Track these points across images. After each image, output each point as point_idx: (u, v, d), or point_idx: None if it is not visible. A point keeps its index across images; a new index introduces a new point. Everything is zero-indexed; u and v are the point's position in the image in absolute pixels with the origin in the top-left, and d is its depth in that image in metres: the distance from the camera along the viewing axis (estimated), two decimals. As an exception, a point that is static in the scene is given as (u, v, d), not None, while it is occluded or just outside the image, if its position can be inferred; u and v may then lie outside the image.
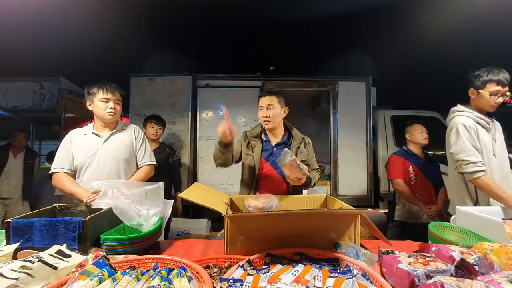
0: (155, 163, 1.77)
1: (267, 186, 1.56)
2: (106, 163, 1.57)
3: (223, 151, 1.48)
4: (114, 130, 1.66)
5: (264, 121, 1.59)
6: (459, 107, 1.64)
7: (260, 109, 1.61)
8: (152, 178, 1.69)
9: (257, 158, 1.58)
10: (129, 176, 1.65)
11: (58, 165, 1.54)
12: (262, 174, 1.58)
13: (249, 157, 1.61)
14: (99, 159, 1.57)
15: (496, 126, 1.62)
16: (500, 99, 1.50)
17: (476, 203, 1.52)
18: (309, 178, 1.50)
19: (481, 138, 1.51)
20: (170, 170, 2.66)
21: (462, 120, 1.54)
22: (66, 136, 1.62)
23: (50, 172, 1.55)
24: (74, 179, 1.56)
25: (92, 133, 1.62)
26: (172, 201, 1.29)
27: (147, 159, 1.72)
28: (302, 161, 1.56)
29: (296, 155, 1.58)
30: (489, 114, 1.60)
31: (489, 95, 1.50)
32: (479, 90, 1.53)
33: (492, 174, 1.49)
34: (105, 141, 1.61)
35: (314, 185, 1.59)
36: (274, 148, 1.62)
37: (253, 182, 1.58)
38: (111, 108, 1.58)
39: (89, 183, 1.44)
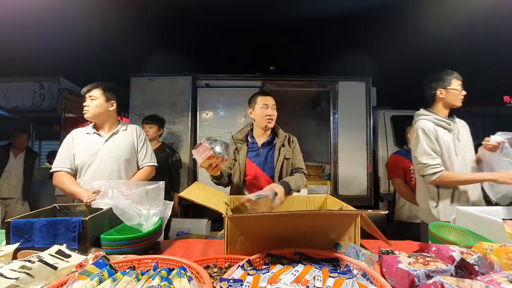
0: (156, 164, 1.77)
1: (254, 186, 1.59)
2: (107, 163, 1.58)
3: (217, 182, 1.54)
4: (116, 130, 1.66)
5: (268, 120, 1.60)
6: (421, 111, 1.69)
7: (264, 108, 1.60)
8: (153, 179, 1.69)
9: (242, 161, 1.60)
10: (130, 176, 1.65)
11: (59, 164, 1.54)
12: (248, 174, 1.60)
13: (236, 162, 1.63)
14: (100, 159, 1.57)
15: (460, 126, 1.64)
16: (464, 92, 1.61)
17: (437, 202, 1.56)
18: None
19: (441, 139, 1.55)
20: (169, 170, 2.66)
21: (422, 124, 1.59)
22: (68, 135, 1.62)
23: (51, 171, 1.55)
24: (75, 179, 1.56)
25: (94, 133, 1.62)
26: (172, 202, 1.29)
27: (148, 160, 1.72)
28: (286, 159, 1.59)
29: (279, 153, 1.60)
30: (451, 115, 1.65)
31: (459, 88, 1.59)
32: (448, 88, 1.60)
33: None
34: (106, 140, 1.61)
35: (299, 190, 1.52)
36: (260, 149, 1.64)
37: (240, 182, 1.60)
38: (85, 106, 1.58)
39: (90, 182, 1.44)
